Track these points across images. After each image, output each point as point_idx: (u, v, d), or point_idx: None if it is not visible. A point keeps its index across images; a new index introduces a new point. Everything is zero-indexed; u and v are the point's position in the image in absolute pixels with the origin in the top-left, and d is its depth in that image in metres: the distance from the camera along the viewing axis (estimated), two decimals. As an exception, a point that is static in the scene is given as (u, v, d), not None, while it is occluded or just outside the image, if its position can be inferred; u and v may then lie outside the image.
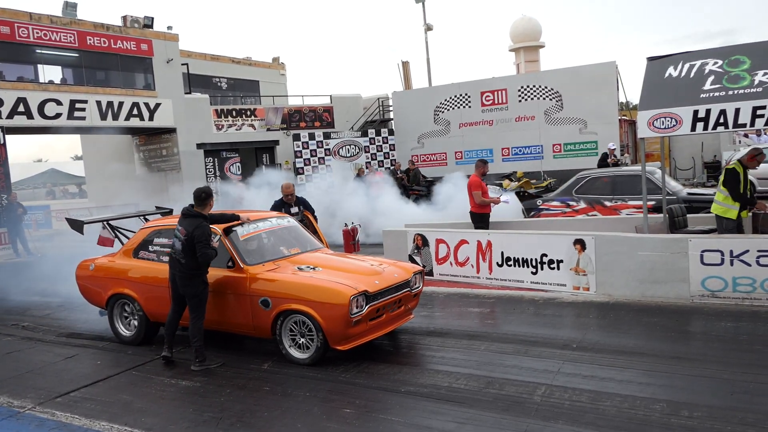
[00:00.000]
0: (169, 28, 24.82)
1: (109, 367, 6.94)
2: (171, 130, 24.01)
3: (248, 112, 26.42)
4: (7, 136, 19.41)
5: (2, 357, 7.66)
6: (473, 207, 10.78)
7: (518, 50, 40.13)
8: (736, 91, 7.87)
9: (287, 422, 5.12)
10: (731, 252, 7.54)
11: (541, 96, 24.14)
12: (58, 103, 20.71)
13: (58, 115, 20.76)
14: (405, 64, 32.59)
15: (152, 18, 23.82)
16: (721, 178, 8.69)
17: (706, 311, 7.47)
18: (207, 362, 6.60)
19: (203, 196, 6.74)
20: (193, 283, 6.56)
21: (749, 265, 7.46)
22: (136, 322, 7.65)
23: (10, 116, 19.48)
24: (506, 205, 11.78)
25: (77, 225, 8.70)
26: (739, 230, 8.47)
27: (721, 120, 7.81)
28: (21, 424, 5.49)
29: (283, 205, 9.60)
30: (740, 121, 7.72)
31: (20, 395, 6.18)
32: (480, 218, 10.78)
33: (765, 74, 7.89)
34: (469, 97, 25.73)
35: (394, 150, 26.77)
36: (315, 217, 9.69)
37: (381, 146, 26.54)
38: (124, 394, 6.09)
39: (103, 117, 21.94)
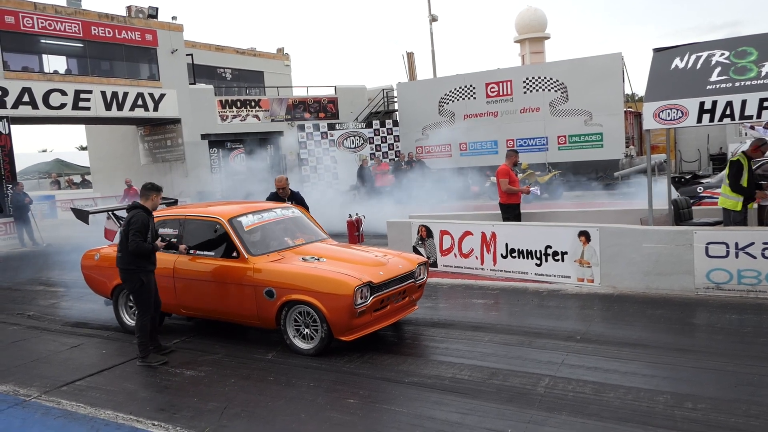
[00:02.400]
0: (174, 18, 24.80)
1: (114, 356, 6.97)
2: (175, 121, 24.03)
3: (253, 103, 26.40)
4: (12, 126, 19.45)
5: (8, 346, 7.70)
6: (501, 197, 10.48)
7: (523, 41, 39.94)
8: (743, 83, 7.83)
9: (291, 412, 5.14)
10: (736, 244, 7.52)
11: (546, 87, 24.06)
12: (63, 93, 20.74)
13: (62, 105, 20.79)
14: (410, 55, 32.52)
15: (156, 8, 23.79)
16: (726, 170, 8.67)
17: (711, 303, 7.46)
18: (149, 359, 6.50)
19: (148, 186, 6.72)
20: (130, 278, 6.46)
21: (754, 257, 7.44)
22: (141, 312, 7.66)
23: (14, 106, 19.52)
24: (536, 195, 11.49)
25: (82, 215, 8.72)
26: (744, 223, 8.45)
27: (728, 112, 7.77)
28: (27, 413, 5.52)
29: (276, 198, 9.47)
30: (747, 113, 7.68)
31: (26, 384, 6.22)
32: (507, 209, 10.40)
33: (772, 66, 7.84)
34: (473, 88, 25.66)
35: (398, 141, 26.74)
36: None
37: (385, 137, 26.51)
38: (129, 383, 6.12)
39: (108, 107, 21.97)
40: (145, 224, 6.43)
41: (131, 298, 7.78)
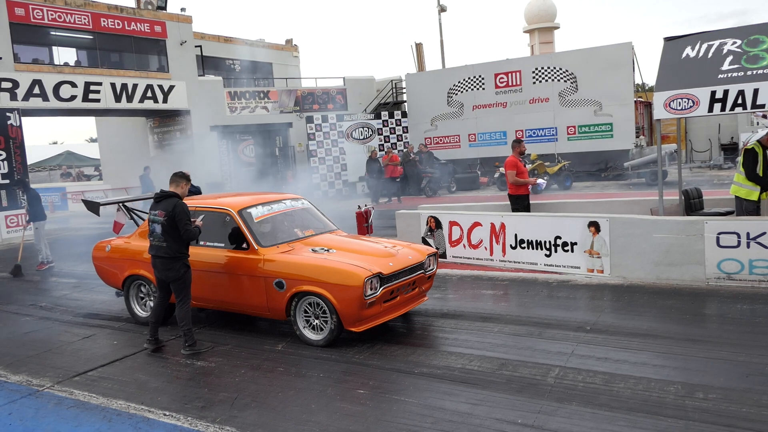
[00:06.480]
0: (183, 9, 24.79)
1: (125, 347, 7.02)
2: (185, 113, 24.05)
3: (261, 95, 26.38)
4: (23, 119, 19.52)
5: (21, 336, 7.77)
6: (510, 188, 10.41)
7: (533, 32, 39.74)
8: (755, 71, 7.75)
9: (301, 402, 5.16)
10: (748, 234, 7.48)
11: (555, 78, 23.93)
12: (73, 85, 20.79)
13: (73, 98, 20.84)
14: (418, 46, 32.42)
15: (165, 0, 23.79)
16: (740, 159, 8.60)
17: (722, 294, 7.43)
18: (197, 346, 6.60)
19: (179, 174, 6.82)
20: (175, 266, 6.52)
21: (766, 247, 7.39)
22: (152, 303, 7.71)
23: (25, 98, 19.58)
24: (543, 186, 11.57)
25: (93, 206, 8.76)
26: (757, 213, 8.39)
27: (740, 101, 7.70)
28: (40, 402, 5.57)
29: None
30: (759, 102, 7.61)
31: (39, 374, 6.27)
32: (516, 200, 10.33)
33: (785, 54, 7.77)
34: (482, 79, 25.56)
35: (407, 132, 26.68)
36: None
37: (394, 128, 26.46)
38: (141, 373, 6.16)
39: (118, 99, 22.01)
40: (188, 212, 6.57)
41: (142, 290, 7.86)
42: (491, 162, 23.66)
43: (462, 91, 26.09)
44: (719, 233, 7.65)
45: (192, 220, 6.60)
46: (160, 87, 23.16)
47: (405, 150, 24.99)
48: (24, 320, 8.59)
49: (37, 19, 20.00)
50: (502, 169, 17.33)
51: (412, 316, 7.38)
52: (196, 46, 25.18)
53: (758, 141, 8.52)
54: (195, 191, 10.00)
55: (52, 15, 20.33)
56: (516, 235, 9.45)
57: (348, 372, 5.78)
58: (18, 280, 11.84)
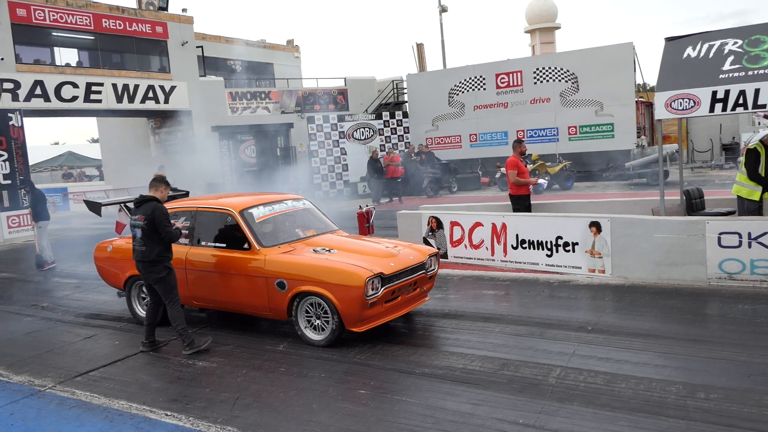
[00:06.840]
0: (184, 10, 24.81)
1: (127, 347, 7.03)
2: (186, 113, 24.06)
3: (263, 95, 26.40)
4: (24, 119, 19.54)
5: (22, 337, 7.77)
6: (511, 189, 10.41)
7: (534, 32, 39.76)
8: (756, 71, 7.75)
9: (303, 402, 5.16)
10: (749, 234, 7.47)
11: (556, 78, 23.92)
12: (75, 85, 20.81)
13: (74, 98, 20.86)
14: (420, 46, 32.42)
15: (167, 0, 23.80)
16: (742, 159, 8.60)
17: (723, 294, 7.42)
18: (196, 345, 6.61)
19: (158, 179, 6.85)
20: (156, 269, 6.56)
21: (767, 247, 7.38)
22: (153, 304, 7.70)
23: (27, 99, 19.59)
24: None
25: (95, 207, 8.77)
26: (759, 213, 8.39)
27: (741, 101, 7.70)
28: (42, 402, 5.58)
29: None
30: (760, 102, 7.61)
31: (41, 374, 6.28)
32: (517, 200, 10.34)
33: (786, 54, 7.77)
34: (483, 79, 25.56)
35: (408, 132, 26.68)
36: None
37: (395, 129, 26.46)
38: (142, 373, 6.17)
39: (119, 100, 22.03)
40: (167, 214, 6.60)
41: (144, 290, 7.87)
42: (492, 162, 23.67)
43: (463, 92, 26.10)
44: (720, 233, 7.65)
45: (172, 222, 6.63)
46: (162, 87, 23.19)
47: (406, 150, 24.99)
48: (26, 320, 8.60)
49: (38, 20, 20.02)
50: (503, 170, 17.33)
51: (414, 317, 7.39)
52: (197, 47, 25.20)
53: (760, 141, 8.52)
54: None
55: (53, 16, 20.36)
56: (517, 236, 9.45)
57: (349, 372, 5.78)
58: (19, 280, 11.86)
